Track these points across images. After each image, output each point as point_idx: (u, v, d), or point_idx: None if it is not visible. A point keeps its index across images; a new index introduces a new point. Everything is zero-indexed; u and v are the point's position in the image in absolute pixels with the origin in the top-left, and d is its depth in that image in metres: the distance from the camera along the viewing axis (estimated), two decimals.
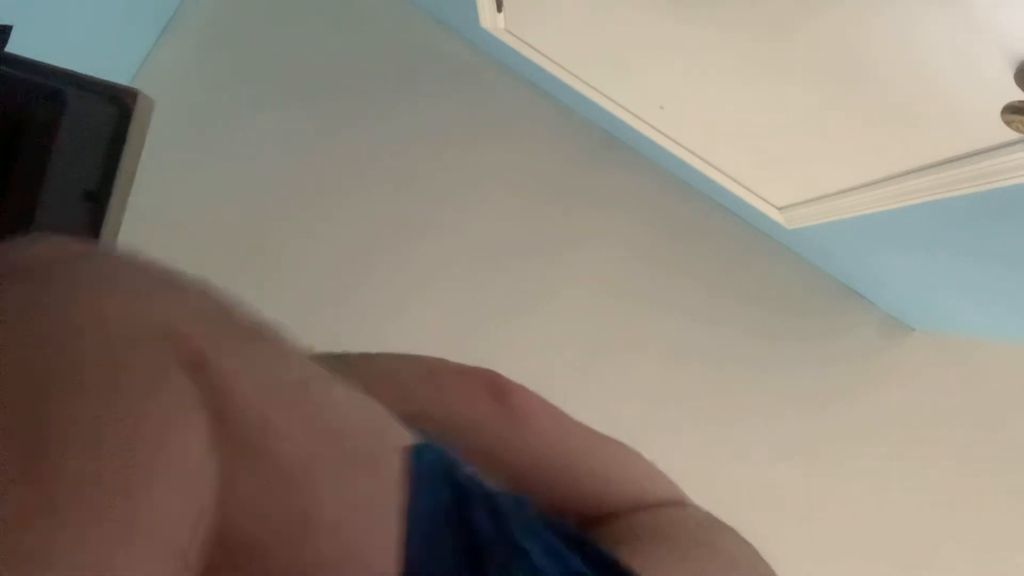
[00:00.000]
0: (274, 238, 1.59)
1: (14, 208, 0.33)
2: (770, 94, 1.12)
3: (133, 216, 0.58)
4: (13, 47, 0.38)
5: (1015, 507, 1.63)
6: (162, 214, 1.34)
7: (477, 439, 0.49)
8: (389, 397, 0.40)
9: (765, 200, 1.49)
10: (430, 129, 1.62)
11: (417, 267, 1.61)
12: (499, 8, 1.33)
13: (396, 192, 1.62)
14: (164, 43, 1.60)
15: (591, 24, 1.27)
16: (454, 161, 1.62)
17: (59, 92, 0.34)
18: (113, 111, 0.39)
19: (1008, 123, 0.78)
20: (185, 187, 1.51)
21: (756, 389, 1.66)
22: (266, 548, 0.33)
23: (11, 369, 0.29)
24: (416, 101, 1.63)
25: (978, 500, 1.64)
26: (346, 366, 0.42)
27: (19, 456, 0.28)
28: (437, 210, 1.63)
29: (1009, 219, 0.97)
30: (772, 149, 1.31)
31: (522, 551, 0.38)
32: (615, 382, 1.61)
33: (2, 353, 0.29)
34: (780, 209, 1.48)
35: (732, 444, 1.64)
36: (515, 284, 1.63)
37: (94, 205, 0.38)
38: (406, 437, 0.39)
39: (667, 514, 0.51)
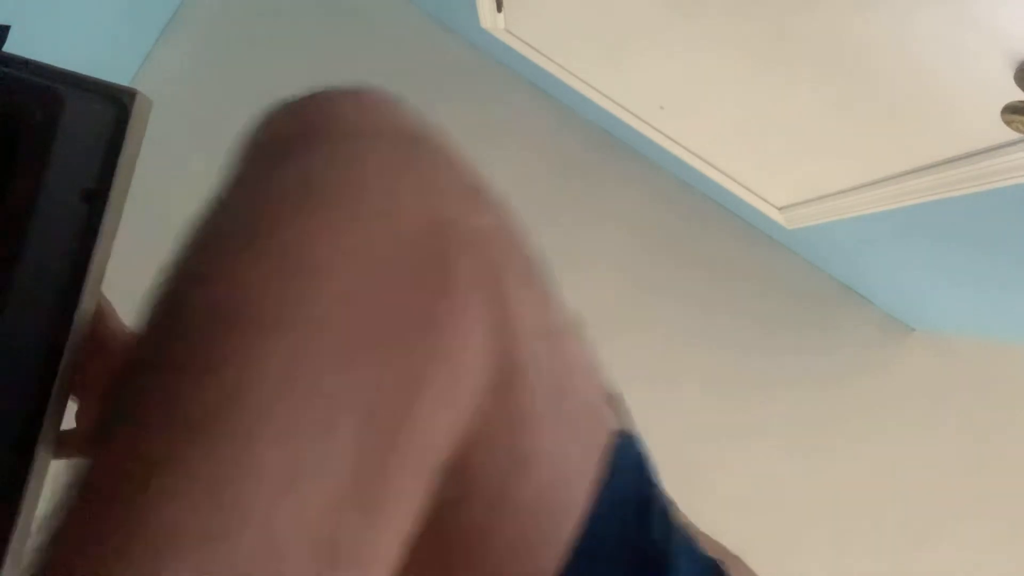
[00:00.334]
0: None
1: (12, 208, 0.33)
2: (771, 94, 1.12)
3: (133, 216, 0.57)
4: (11, 47, 0.38)
5: (1015, 507, 1.63)
6: (162, 214, 1.34)
7: None
8: None
9: (765, 200, 1.49)
10: None
11: None
12: (499, 8, 1.33)
13: None
14: (164, 43, 1.59)
15: (591, 24, 1.27)
16: None
17: (58, 92, 0.34)
18: (112, 111, 0.39)
19: (1008, 123, 0.77)
20: (185, 187, 1.51)
21: (755, 390, 1.66)
22: (473, 477, 0.33)
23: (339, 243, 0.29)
24: (415, 101, 1.62)
25: (978, 500, 1.64)
26: None
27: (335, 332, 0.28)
28: None
29: (1009, 219, 0.97)
30: (772, 149, 1.31)
31: (674, 569, 0.38)
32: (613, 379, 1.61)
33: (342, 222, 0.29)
34: (780, 209, 1.48)
35: (732, 444, 1.64)
36: None
37: (93, 205, 0.38)
38: (615, 419, 0.40)
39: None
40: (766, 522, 1.60)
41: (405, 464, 0.29)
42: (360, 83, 0.38)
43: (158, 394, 0.27)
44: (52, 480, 0.36)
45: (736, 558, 0.50)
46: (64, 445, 0.41)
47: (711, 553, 0.44)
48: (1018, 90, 0.74)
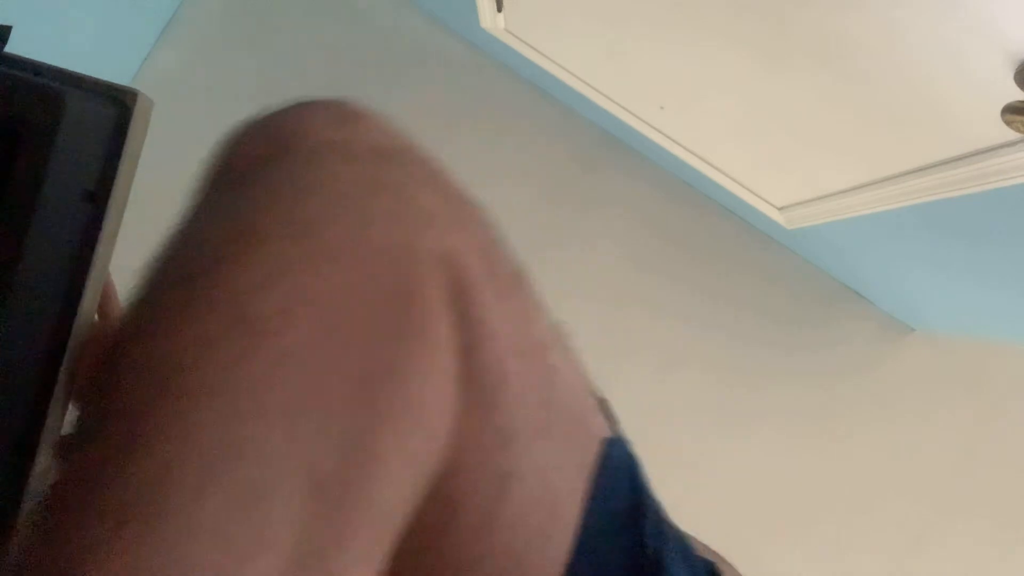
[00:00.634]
0: None
1: (13, 209, 0.33)
2: (771, 94, 1.12)
3: (133, 216, 0.57)
4: (12, 47, 0.38)
5: (1014, 508, 1.63)
6: (162, 214, 1.33)
7: None
8: None
9: (765, 200, 1.49)
10: (429, 129, 1.61)
11: None
12: (499, 8, 1.33)
13: None
14: (164, 43, 1.59)
15: (591, 24, 1.27)
16: (453, 161, 1.62)
17: (59, 93, 0.34)
18: (113, 111, 0.39)
19: (1008, 123, 0.77)
20: (185, 188, 1.51)
21: (755, 390, 1.66)
22: (457, 503, 0.32)
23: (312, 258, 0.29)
24: (416, 101, 1.63)
25: (978, 501, 1.64)
26: None
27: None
28: None
29: (1009, 219, 0.97)
30: (772, 149, 1.31)
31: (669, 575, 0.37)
32: (613, 381, 1.61)
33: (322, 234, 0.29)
34: (780, 209, 1.48)
35: (731, 445, 1.64)
36: None
37: (94, 206, 0.38)
38: (604, 428, 0.39)
39: None
40: (764, 520, 1.60)
41: (358, 534, 0.28)
42: (335, 95, 0.37)
43: (91, 473, 0.26)
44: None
45: (728, 563, 0.50)
46: (66, 447, 0.41)
47: (705, 555, 0.44)
48: (1018, 90, 0.74)
